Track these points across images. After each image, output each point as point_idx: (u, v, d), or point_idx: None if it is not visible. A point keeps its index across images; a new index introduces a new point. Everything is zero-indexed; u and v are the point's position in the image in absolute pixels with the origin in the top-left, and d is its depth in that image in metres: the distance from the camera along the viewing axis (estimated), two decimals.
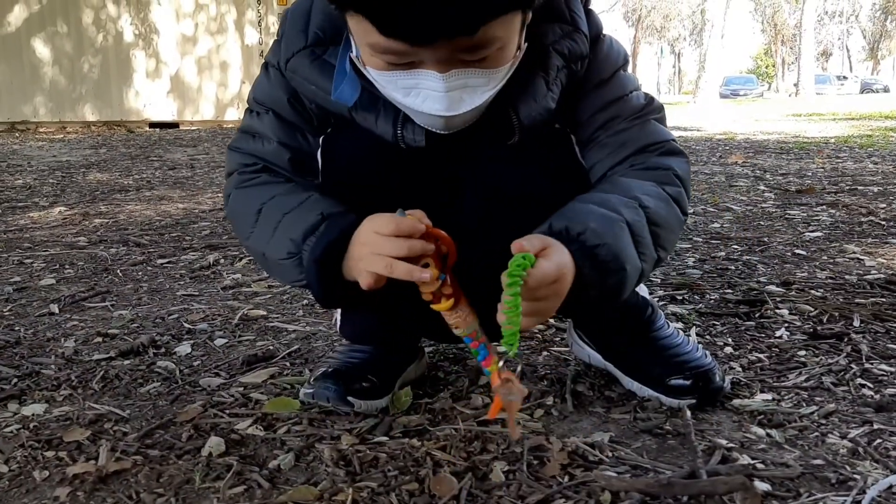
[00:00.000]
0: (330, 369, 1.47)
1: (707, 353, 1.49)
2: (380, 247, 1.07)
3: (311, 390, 1.44)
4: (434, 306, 1.09)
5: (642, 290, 1.52)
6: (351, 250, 1.15)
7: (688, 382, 1.39)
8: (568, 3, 1.25)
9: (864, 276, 2.30)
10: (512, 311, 0.99)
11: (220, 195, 4.61)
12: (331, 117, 1.30)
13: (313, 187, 1.29)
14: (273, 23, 12.90)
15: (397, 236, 1.06)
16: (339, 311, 1.58)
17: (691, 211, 3.68)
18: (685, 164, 1.31)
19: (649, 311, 1.51)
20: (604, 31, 1.31)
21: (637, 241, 1.15)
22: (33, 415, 1.45)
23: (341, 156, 1.31)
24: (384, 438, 1.31)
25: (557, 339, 1.79)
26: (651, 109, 1.32)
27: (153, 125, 12.59)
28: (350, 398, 1.41)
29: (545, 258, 1.05)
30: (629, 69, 1.35)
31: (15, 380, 1.63)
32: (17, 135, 10.79)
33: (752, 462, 1.18)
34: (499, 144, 1.24)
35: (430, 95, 1.10)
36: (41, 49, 12.01)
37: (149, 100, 12.69)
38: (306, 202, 1.24)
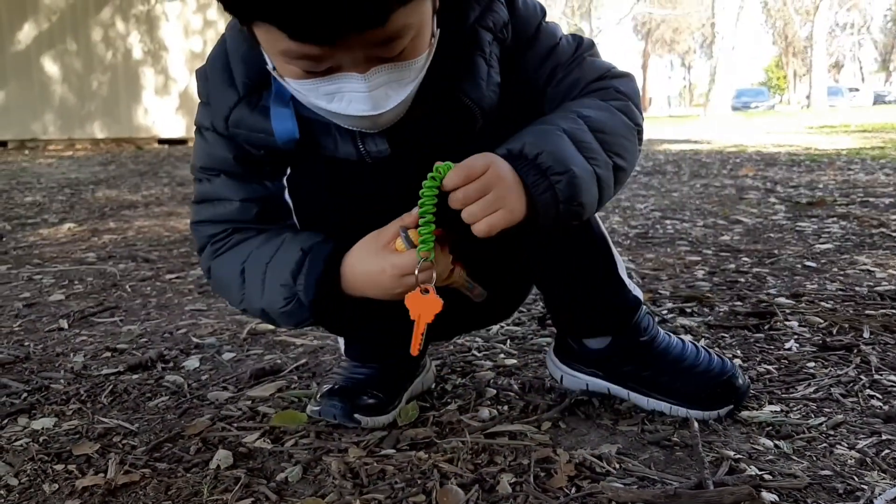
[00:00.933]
0: (336, 386, 1.47)
1: (715, 354, 1.47)
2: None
3: (317, 407, 1.45)
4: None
5: (638, 291, 1.48)
6: (350, 270, 1.19)
7: (719, 392, 1.40)
8: None
9: (875, 288, 2.29)
10: (425, 225, 1.09)
11: None
12: (286, 158, 1.27)
13: (286, 229, 1.29)
14: None
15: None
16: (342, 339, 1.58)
17: (701, 223, 3.68)
18: (629, 81, 1.30)
19: (642, 319, 1.47)
20: None
21: (580, 146, 1.14)
22: (43, 429, 1.45)
23: (312, 189, 1.29)
24: (391, 451, 1.30)
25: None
26: (583, 49, 1.30)
27: (162, 141, 12.65)
28: (356, 415, 1.41)
29: (463, 161, 1.08)
30: (550, 21, 1.32)
31: (25, 394, 1.64)
32: (26, 152, 10.86)
33: (760, 473, 1.17)
34: (466, 135, 1.22)
35: (354, 97, 1.07)
36: (50, 67, 12.09)
37: (158, 116, 12.76)
38: (283, 245, 1.25)
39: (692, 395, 1.40)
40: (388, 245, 1.16)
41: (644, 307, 1.49)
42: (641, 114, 1.28)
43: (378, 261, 1.16)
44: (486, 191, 1.07)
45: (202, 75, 1.27)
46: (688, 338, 1.85)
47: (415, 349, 1.15)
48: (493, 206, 1.07)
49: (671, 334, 1.51)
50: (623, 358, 1.46)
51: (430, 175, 1.08)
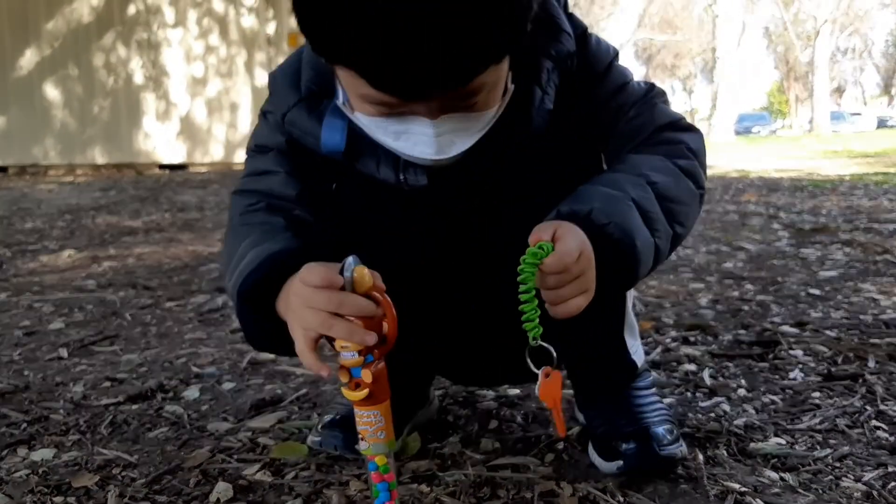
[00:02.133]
0: (337, 416, 1.46)
1: (665, 417, 1.38)
2: (311, 300, 0.97)
3: (318, 438, 1.44)
4: (345, 391, 0.97)
5: (639, 355, 1.46)
6: (284, 297, 1.08)
7: (630, 445, 1.30)
8: (546, 9, 1.23)
9: (880, 316, 2.28)
10: (528, 302, 1.02)
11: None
12: (332, 167, 1.28)
13: (302, 227, 1.24)
14: None
15: (330, 288, 0.96)
16: None
17: (704, 250, 3.67)
18: (698, 138, 1.29)
19: (639, 373, 1.45)
20: (588, 30, 1.30)
21: (647, 218, 1.13)
22: (42, 460, 1.44)
23: (351, 207, 1.30)
24: None
25: (567, 382, 1.77)
26: (655, 94, 1.30)
27: (162, 167, 12.66)
28: (357, 447, 1.39)
29: (561, 241, 1.04)
30: (621, 62, 1.34)
31: (24, 424, 1.63)
32: (27, 178, 10.87)
33: None
34: (504, 158, 1.22)
35: (420, 140, 1.08)
36: (52, 92, 12.12)
37: (158, 142, 12.78)
38: (278, 235, 1.19)
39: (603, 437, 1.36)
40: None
41: (639, 372, 1.45)
42: (706, 173, 1.28)
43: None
44: (579, 276, 1.05)
45: (274, 72, 1.31)
46: (690, 367, 1.84)
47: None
48: (580, 289, 1.05)
49: (649, 392, 1.46)
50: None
51: (530, 251, 1.02)
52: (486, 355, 1.47)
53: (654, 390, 1.46)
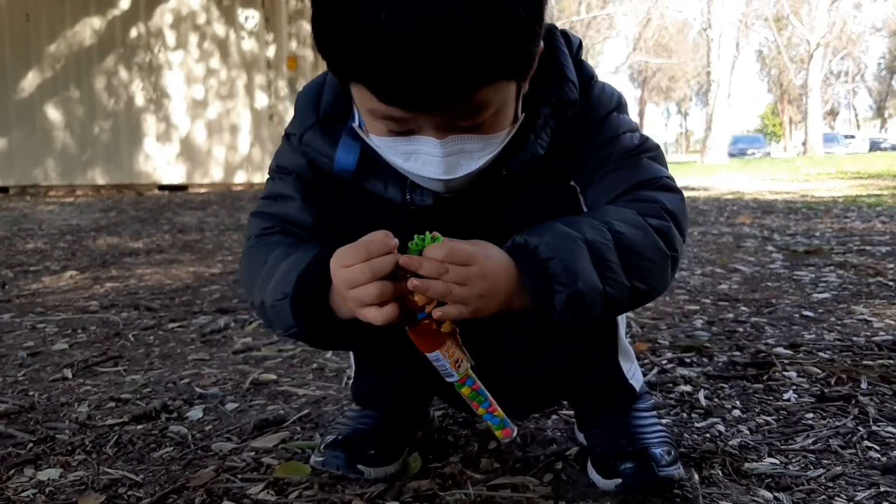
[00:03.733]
0: (339, 437, 1.49)
1: (664, 438, 1.41)
2: (351, 280, 1.06)
3: (321, 458, 1.46)
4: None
5: (637, 378, 1.48)
6: (334, 294, 1.16)
7: (629, 464, 1.33)
8: (554, 57, 1.27)
9: (872, 338, 2.31)
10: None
11: (230, 258, 4.65)
12: (344, 188, 1.32)
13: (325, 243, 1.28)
14: (283, 87, 13.08)
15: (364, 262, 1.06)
16: (352, 370, 1.59)
17: (699, 271, 3.70)
18: (678, 200, 1.26)
19: (638, 395, 1.48)
20: (596, 78, 1.33)
21: (599, 263, 1.11)
22: (49, 479, 1.47)
23: (358, 226, 1.33)
24: (394, 503, 1.32)
25: (566, 403, 1.80)
26: (645, 149, 1.30)
27: (162, 188, 12.69)
28: (360, 466, 1.42)
29: (462, 243, 1.08)
30: (625, 112, 1.35)
31: (30, 444, 1.65)
32: (27, 198, 10.90)
33: None
34: (494, 195, 1.26)
35: (428, 160, 1.13)
36: (53, 114, 12.18)
37: (159, 163, 12.82)
38: (307, 248, 1.24)
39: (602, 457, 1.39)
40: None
41: (638, 394, 1.47)
42: (684, 237, 1.25)
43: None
44: (459, 280, 1.05)
45: (300, 94, 1.35)
46: (686, 388, 1.87)
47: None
48: (454, 294, 1.05)
49: (650, 414, 1.49)
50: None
51: (418, 237, 1.08)
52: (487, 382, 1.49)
53: (654, 413, 1.49)
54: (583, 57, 1.34)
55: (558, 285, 1.08)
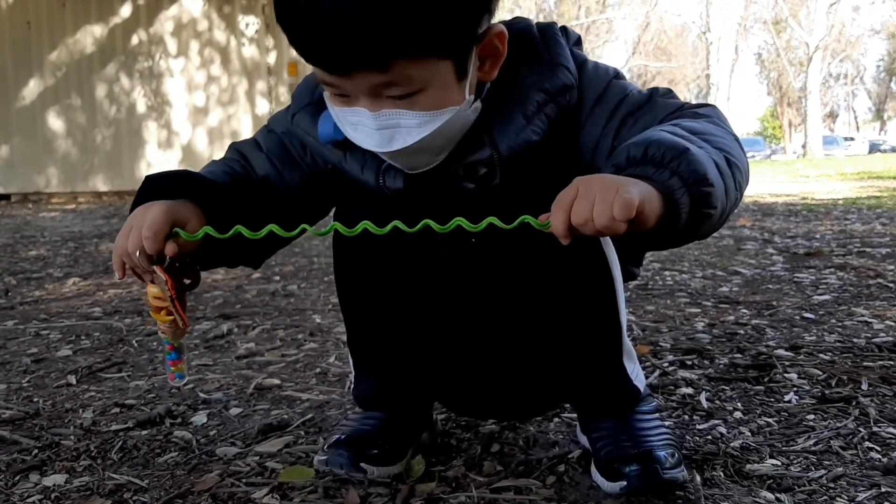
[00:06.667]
0: (343, 437, 1.50)
1: (667, 441, 1.42)
2: (145, 225, 1.17)
3: (324, 458, 1.47)
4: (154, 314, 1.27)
5: (640, 379, 1.48)
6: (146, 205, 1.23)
7: (634, 467, 1.34)
8: (547, 44, 1.30)
9: (873, 340, 2.32)
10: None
11: None
12: (324, 172, 1.40)
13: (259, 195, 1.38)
14: (284, 93, 13.11)
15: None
16: (353, 374, 1.60)
17: (700, 274, 3.71)
18: (709, 108, 1.25)
19: (643, 396, 1.48)
20: (588, 59, 1.34)
21: (685, 138, 1.09)
22: (54, 485, 1.47)
23: (348, 207, 1.39)
24: None
25: (568, 406, 1.81)
26: (657, 95, 1.30)
27: None
28: (363, 465, 1.43)
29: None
30: (624, 78, 1.35)
31: (35, 451, 1.66)
32: (29, 206, 10.92)
33: None
34: (484, 182, 1.30)
35: (365, 131, 1.18)
36: (54, 122, 12.21)
37: (160, 169, 12.84)
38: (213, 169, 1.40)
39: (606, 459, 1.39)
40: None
41: (642, 396, 1.48)
42: (731, 129, 1.22)
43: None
44: (591, 198, 1.01)
45: (304, 78, 1.43)
46: (687, 391, 1.88)
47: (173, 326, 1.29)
48: (604, 201, 0.99)
49: (653, 417, 1.50)
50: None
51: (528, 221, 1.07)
52: (486, 382, 1.51)
53: (657, 415, 1.50)
54: (580, 51, 1.36)
55: (672, 161, 1.04)
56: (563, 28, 1.36)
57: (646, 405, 1.49)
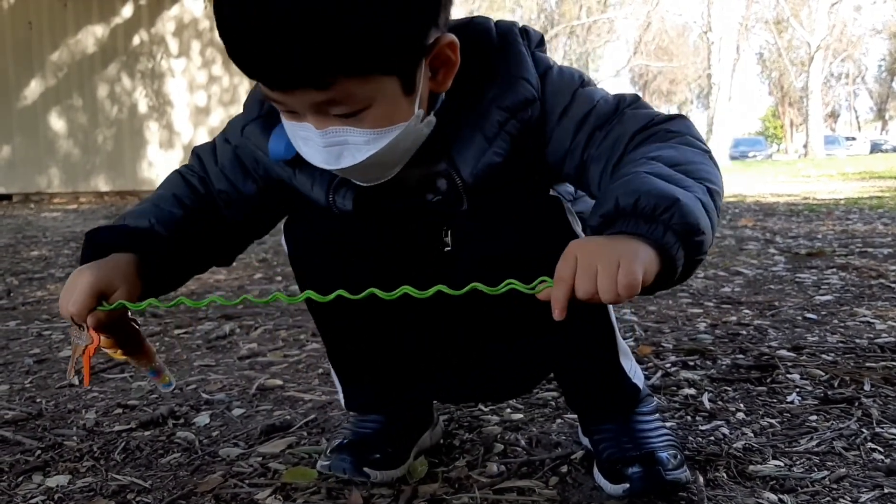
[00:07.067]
0: (345, 441, 1.50)
1: (669, 441, 1.43)
2: (72, 294, 1.20)
3: (327, 462, 1.47)
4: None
5: (639, 376, 1.48)
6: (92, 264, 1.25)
7: (636, 468, 1.34)
8: (506, 54, 1.24)
9: (875, 340, 2.32)
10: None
11: (234, 264, 4.65)
12: (277, 184, 1.36)
13: (197, 208, 1.38)
14: None
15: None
16: (340, 387, 1.60)
17: (702, 274, 3.71)
18: (679, 122, 1.21)
19: (642, 394, 1.48)
20: (553, 65, 1.28)
21: (669, 180, 1.06)
22: (58, 486, 1.48)
23: (306, 234, 1.39)
24: None
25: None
26: (625, 105, 1.24)
27: None
28: (366, 469, 1.43)
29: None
30: (591, 85, 1.29)
31: (38, 451, 1.66)
32: (31, 206, 10.93)
33: None
34: (451, 210, 1.28)
35: (314, 147, 1.15)
36: (56, 122, 12.23)
37: (161, 170, 12.86)
38: (148, 206, 1.37)
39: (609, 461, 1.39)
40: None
41: (642, 396, 1.48)
42: (703, 141, 1.20)
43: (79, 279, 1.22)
44: (592, 268, 1.01)
45: (251, 90, 1.39)
46: (690, 391, 1.88)
47: (70, 374, 1.32)
48: (606, 272, 0.99)
49: (654, 417, 1.50)
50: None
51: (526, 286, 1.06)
52: (477, 374, 1.51)
53: (657, 416, 1.50)
54: (546, 52, 1.32)
55: (663, 213, 1.01)
56: (524, 29, 1.30)
57: (646, 406, 1.49)
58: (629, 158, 1.15)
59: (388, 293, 1.08)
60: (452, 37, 1.15)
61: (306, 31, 0.99)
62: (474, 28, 1.26)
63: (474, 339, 1.43)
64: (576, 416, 1.66)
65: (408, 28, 1.07)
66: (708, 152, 1.17)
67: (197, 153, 1.45)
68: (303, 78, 1.04)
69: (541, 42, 1.31)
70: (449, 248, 1.30)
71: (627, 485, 1.33)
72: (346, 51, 1.02)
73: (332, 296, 1.10)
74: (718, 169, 1.15)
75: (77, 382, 1.30)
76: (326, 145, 1.13)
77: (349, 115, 1.10)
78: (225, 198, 1.39)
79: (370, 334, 1.45)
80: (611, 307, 1.39)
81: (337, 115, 1.10)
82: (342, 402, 1.60)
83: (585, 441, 1.53)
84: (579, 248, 1.03)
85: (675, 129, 1.19)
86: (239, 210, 1.40)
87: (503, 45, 1.25)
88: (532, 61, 1.25)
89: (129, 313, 1.31)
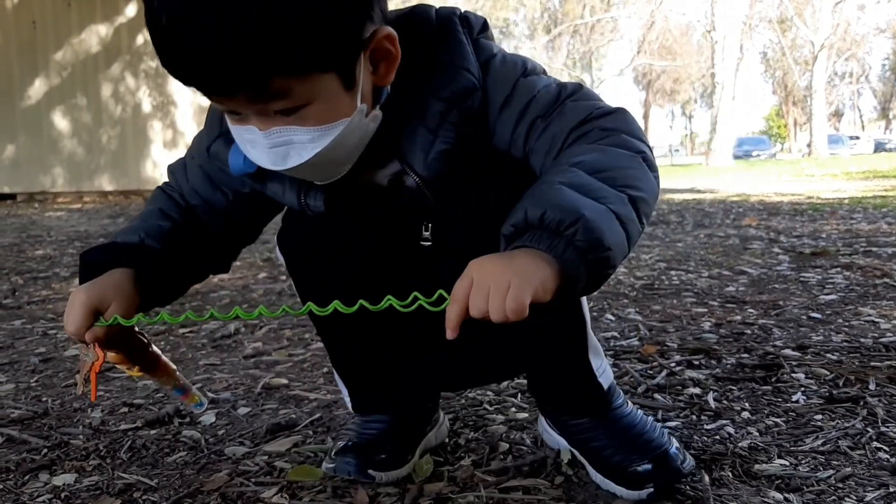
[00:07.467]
0: (350, 443, 1.50)
1: (668, 433, 1.45)
2: (70, 314, 1.23)
3: (332, 464, 1.47)
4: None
5: (607, 375, 1.47)
6: (92, 282, 1.27)
7: (649, 467, 1.35)
8: (445, 43, 1.23)
9: (880, 339, 2.32)
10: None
11: (237, 263, 4.66)
12: (251, 195, 1.37)
13: (185, 224, 1.40)
14: None
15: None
16: (345, 391, 1.61)
17: (706, 274, 3.71)
18: (615, 118, 1.19)
19: (607, 392, 1.46)
20: (497, 53, 1.26)
21: (584, 191, 1.06)
22: (64, 484, 1.48)
23: (297, 242, 1.42)
24: None
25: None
26: (565, 96, 1.23)
27: None
28: (371, 471, 1.43)
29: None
30: (534, 73, 1.27)
31: (45, 450, 1.66)
32: (35, 205, 10.95)
33: None
34: (415, 206, 1.28)
35: (260, 149, 1.14)
36: (60, 122, 12.25)
37: (165, 169, 12.89)
38: (144, 221, 1.38)
39: (620, 467, 1.39)
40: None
41: (610, 390, 1.46)
42: (642, 140, 1.18)
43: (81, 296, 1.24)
44: (487, 293, 1.02)
45: (210, 106, 1.34)
46: (695, 391, 1.88)
47: (79, 390, 1.33)
48: (497, 296, 1.01)
49: (630, 407, 1.50)
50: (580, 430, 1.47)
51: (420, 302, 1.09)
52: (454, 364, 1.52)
53: (631, 406, 1.49)
54: (491, 37, 1.31)
55: (568, 229, 1.02)
56: (465, 17, 1.27)
57: (617, 399, 1.47)
58: (556, 162, 1.16)
59: (376, 305, 1.09)
60: (390, 29, 1.14)
61: (238, 36, 0.98)
62: (415, 18, 1.25)
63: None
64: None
65: (342, 23, 1.06)
66: (641, 153, 1.15)
67: (171, 170, 1.46)
68: (239, 83, 1.03)
69: (484, 27, 1.30)
70: (430, 244, 1.30)
71: (651, 489, 1.33)
72: (280, 51, 1.00)
73: (329, 308, 1.11)
74: (652, 169, 1.15)
75: (86, 397, 1.32)
76: (272, 146, 1.12)
77: (290, 111, 1.09)
78: (201, 212, 1.41)
79: (367, 338, 1.47)
80: (583, 300, 1.39)
81: (280, 115, 1.09)
82: (349, 404, 1.61)
83: (552, 435, 1.53)
84: (477, 268, 1.05)
85: (610, 125, 1.18)
86: (219, 222, 1.42)
87: (442, 34, 1.24)
88: (473, 49, 1.24)
89: (136, 328, 1.32)
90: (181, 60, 1.02)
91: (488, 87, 1.23)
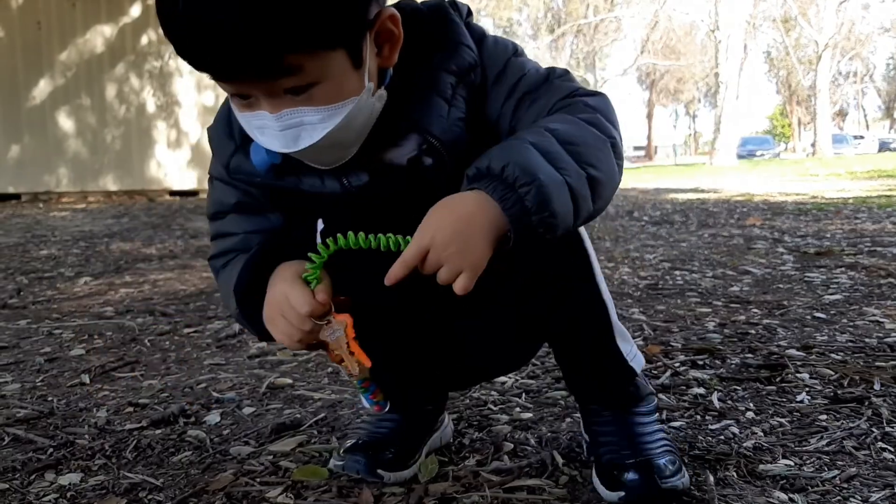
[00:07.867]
0: (359, 441, 1.51)
1: (668, 448, 1.42)
2: (286, 317, 1.21)
3: (341, 462, 1.48)
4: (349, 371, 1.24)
5: (638, 360, 1.46)
6: (267, 296, 1.25)
7: (630, 473, 1.35)
8: (448, 25, 1.27)
9: (884, 339, 2.32)
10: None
11: None
12: (287, 200, 1.34)
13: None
14: None
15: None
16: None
17: (710, 274, 3.71)
18: (599, 99, 1.25)
19: (638, 386, 1.47)
20: (487, 34, 1.32)
21: (549, 157, 1.11)
22: (70, 484, 1.49)
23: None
24: None
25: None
26: (554, 77, 1.28)
27: (173, 193, 12.78)
28: (379, 471, 1.44)
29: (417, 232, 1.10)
30: (523, 56, 1.32)
31: (51, 450, 1.67)
32: (40, 205, 10.97)
33: None
34: (437, 171, 1.27)
35: (271, 134, 1.15)
36: (65, 122, 12.25)
37: (170, 169, 12.91)
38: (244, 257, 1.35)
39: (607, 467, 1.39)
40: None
41: (638, 377, 1.47)
42: (616, 128, 1.23)
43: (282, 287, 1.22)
44: (441, 262, 1.09)
45: (210, 130, 1.35)
46: (699, 391, 1.88)
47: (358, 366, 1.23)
48: (456, 269, 1.09)
49: (654, 418, 1.49)
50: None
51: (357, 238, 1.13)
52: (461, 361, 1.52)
53: (656, 417, 1.49)
54: (474, 21, 1.34)
55: (522, 187, 1.08)
56: (453, 2, 1.32)
57: (645, 406, 1.48)
58: (536, 123, 1.21)
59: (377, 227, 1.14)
60: (393, 10, 1.18)
61: (252, 12, 1.00)
62: (405, 5, 1.27)
63: (442, 319, 1.43)
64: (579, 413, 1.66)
65: (350, 1, 1.09)
66: (611, 139, 1.20)
67: (212, 256, 1.43)
68: (253, 60, 1.05)
69: (469, 13, 1.34)
70: None
71: (623, 492, 1.33)
72: (292, 29, 1.03)
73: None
74: (618, 157, 1.20)
75: (357, 373, 1.22)
76: (283, 128, 1.13)
77: (300, 90, 1.10)
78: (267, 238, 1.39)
79: (381, 338, 1.45)
80: (603, 286, 1.40)
81: (289, 96, 1.11)
82: (363, 402, 1.61)
83: (586, 437, 1.53)
84: (439, 228, 1.10)
85: (592, 104, 1.23)
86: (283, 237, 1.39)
87: (437, 17, 1.28)
88: (466, 30, 1.28)
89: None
90: (198, 40, 1.03)
91: (484, 63, 1.28)
